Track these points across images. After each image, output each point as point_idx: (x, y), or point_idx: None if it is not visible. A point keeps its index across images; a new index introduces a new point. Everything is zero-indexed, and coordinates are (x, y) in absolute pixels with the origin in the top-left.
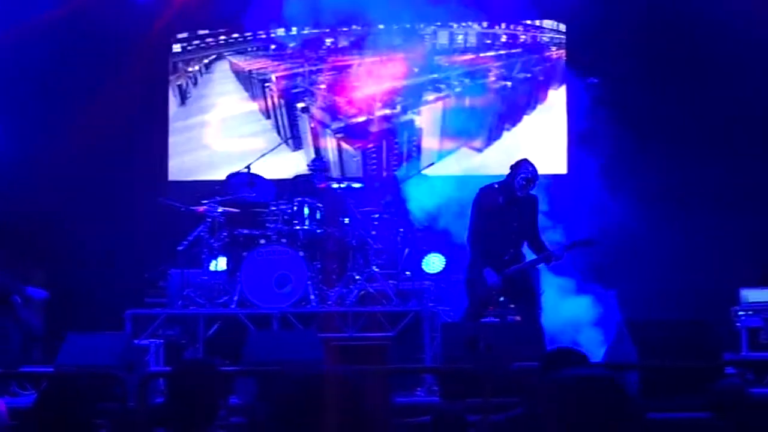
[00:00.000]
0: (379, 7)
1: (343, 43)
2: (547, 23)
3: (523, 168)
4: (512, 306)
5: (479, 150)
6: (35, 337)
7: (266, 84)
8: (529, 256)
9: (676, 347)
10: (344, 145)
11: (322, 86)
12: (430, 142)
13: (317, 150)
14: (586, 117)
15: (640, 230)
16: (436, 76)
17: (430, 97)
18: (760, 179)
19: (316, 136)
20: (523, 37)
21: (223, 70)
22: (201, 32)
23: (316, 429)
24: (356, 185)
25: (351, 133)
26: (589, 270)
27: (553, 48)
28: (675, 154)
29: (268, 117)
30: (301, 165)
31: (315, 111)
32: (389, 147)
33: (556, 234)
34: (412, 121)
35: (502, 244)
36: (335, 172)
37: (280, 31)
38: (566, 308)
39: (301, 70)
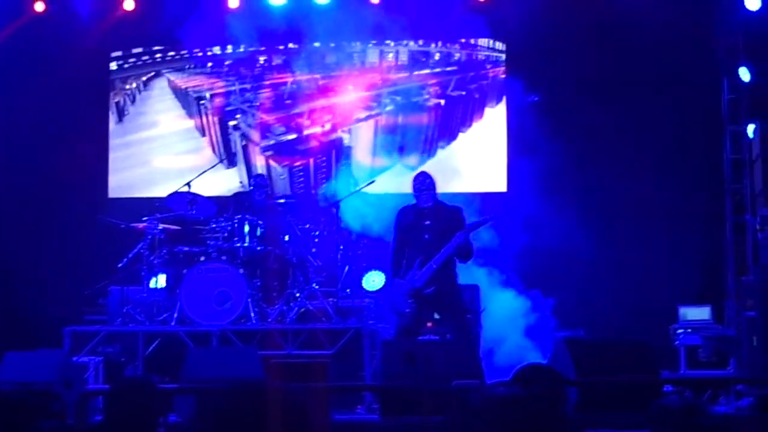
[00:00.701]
0: (315, 25)
1: (277, 61)
2: (483, 41)
3: (415, 181)
4: (449, 324)
5: (413, 167)
6: None
7: (201, 101)
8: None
9: (614, 366)
10: (272, 163)
11: (255, 104)
12: (363, 160)
13: (249, 168)
14: (526, 134)
15: (580, 247)
16: (368, 94)
17: (362, 115)
18: (701, 198)
19: (247, 154)
20: (458, 55)
21: (161, 87)
22: (136, 50)
23: None
24: (291, 201)
25: (279, 150)
26: (530, 285)
27: (489, 66)
28: (616, 172)
29: (204, 134)
30: (234, 182)
31: (245, 129)
32: (316, 165)
33: (498, 249)
34: (341, 140)
35: (415, 254)
36: None
37: (216, 49)
38: (506, 322)
39: (234, 87)
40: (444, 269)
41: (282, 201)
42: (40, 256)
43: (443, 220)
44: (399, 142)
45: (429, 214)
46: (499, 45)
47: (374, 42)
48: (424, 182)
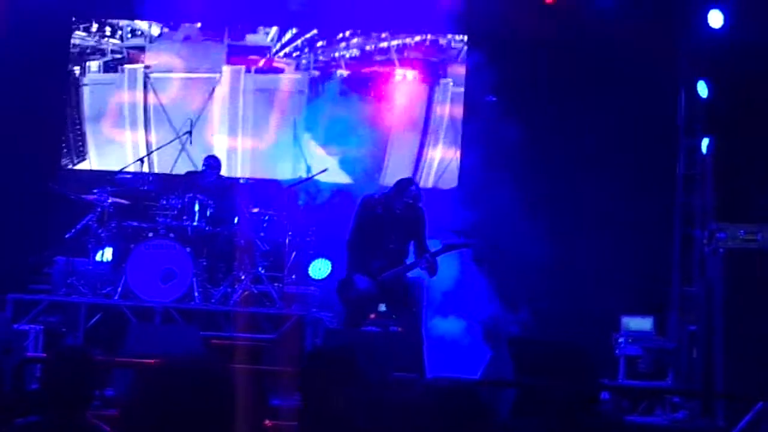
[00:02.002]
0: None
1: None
2: (443, 40)
3: (409, 188)
4: (393, 316)
5: (363, 158)
6: None
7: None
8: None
9: (552, 368)
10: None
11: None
12: (316, 149)
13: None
14: (479, 133)
15: (528, 249)
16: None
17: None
18: (652, 209)
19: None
20: (413, 53)
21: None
22: (96, 23)
23: (187, 422)
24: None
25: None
26: (475, 287)
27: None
28: (568, 177)
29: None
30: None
31: None
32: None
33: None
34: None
35: (375, 252)
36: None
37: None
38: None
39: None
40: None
41: (242, 181)
42: None
43: (409, 221)
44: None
45: (398, 217)
46: (458, 40)
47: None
48: (419, 194)
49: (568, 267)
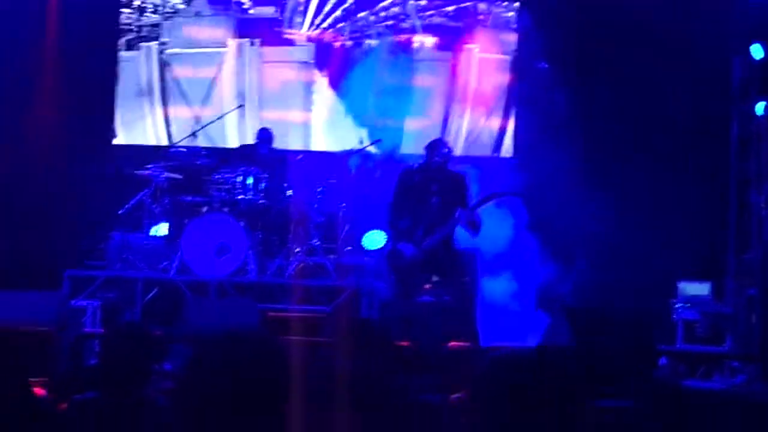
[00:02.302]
0: None
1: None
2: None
3: (438, 148)
4: (446, 286)
5: (422, 129)
6: None
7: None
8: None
9: (611, 335)
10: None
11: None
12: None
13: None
14: (534, 102)
15: (583, 215)
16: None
17: None
18: (706, 175)
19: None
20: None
21: (173, 35)
22: None
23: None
24: (300, 155)
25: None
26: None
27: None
28: (621, 146)
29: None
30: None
31: None
32: None
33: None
34: None
35: (418, 221)
36: None
37: None
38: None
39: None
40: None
41: (299, 156)
42: (44, 200)
43: (449, 186)
44: (406, 102)
45: (436, 179)
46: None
47: None
48: (440, 151)
49: (624, 233)
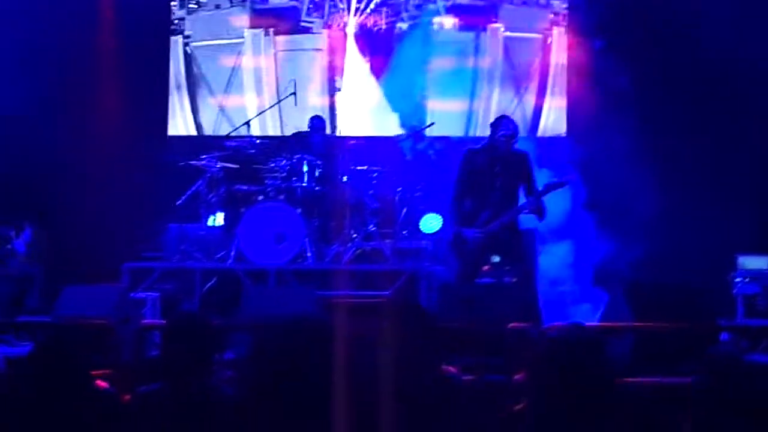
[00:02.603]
0: None
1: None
2: None
3: (502, 125)
4: (507, 267)
5: (474, 111)
6: (32, 286)
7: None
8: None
9: (671, 311)
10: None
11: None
12: (427, 103)
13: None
14: (587, 80)
15: (641, 190)
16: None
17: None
18: (763, 143)
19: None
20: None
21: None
22: None
23: (306, 380)
24: (354, 140)
25: None
26: (588, 233)
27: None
28: (675, 117)
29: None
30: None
31: None
32: None
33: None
34: None
35: (482, 203)
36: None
37: None
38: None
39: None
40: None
41: (352, 141)
42: (100, 193)
43: (514, 166)
44: (457, 84)
45: (500, 159)
46: None
47: None
48: (515, 129)
49: (682, 208)
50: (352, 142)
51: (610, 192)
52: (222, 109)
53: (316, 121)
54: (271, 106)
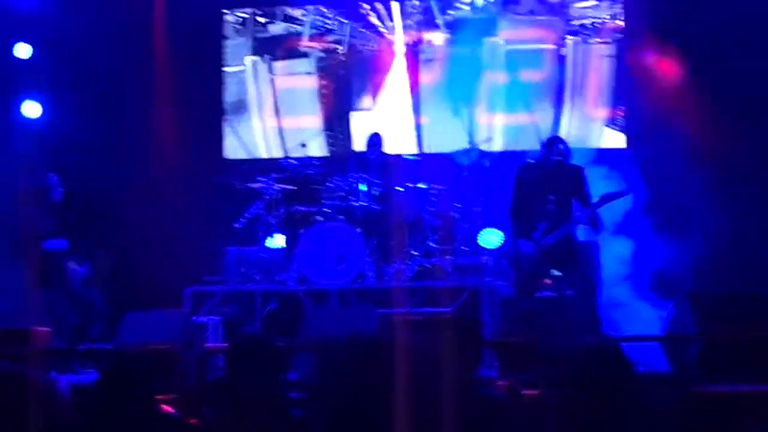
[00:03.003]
0: None
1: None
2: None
3: (554, 145)
4: (566, 281)
5: (536, 125)
6: (94, 313)
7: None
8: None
9: (736, 320)
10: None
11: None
12: (483, 117)
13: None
14: (643, 89)
15: (701, 198)
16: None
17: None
18: None
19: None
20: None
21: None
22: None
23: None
24: (412, 158)
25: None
26: (652, 237)
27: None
28: (734, 124)
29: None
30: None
31: None
32: None
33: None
34: None
35: (537, 217)
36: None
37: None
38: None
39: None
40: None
41: (409, 158)
42: (160, 218)
43: (568, 181)
44: (519, 98)
45: (554, 175)
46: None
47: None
48: (557, 148)
49: (743, 215)
50: (409, 159)
51: (671, 198)
52: (279, 131)
53: (374, 139)
54: (328, 127)
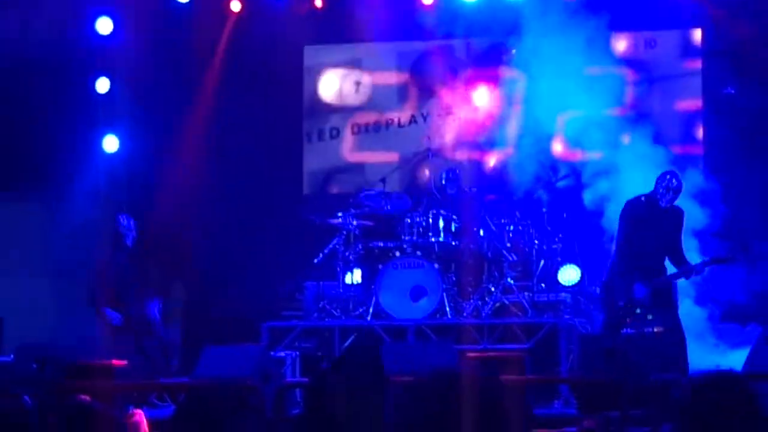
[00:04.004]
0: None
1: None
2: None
3: (666, 179)
4: (649, 317)
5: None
6: (171, 350)
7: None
8: (670, 269)
9: None
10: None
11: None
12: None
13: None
14: (722, 125)
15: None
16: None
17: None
18: None
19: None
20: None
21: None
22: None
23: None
24: (491, 196)
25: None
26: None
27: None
28: None
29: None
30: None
31: None
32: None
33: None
34: None
35: (646, 257)
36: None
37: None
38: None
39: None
40: None
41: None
42: (239, 253)
43: (671, 222)
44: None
45: (664, 216)
46: (697, 35)
47: None
48: (671, 181)
49: None
50: (489, 195)
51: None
52: (358, 166)
53: (451, 174)
54: (409, 161)
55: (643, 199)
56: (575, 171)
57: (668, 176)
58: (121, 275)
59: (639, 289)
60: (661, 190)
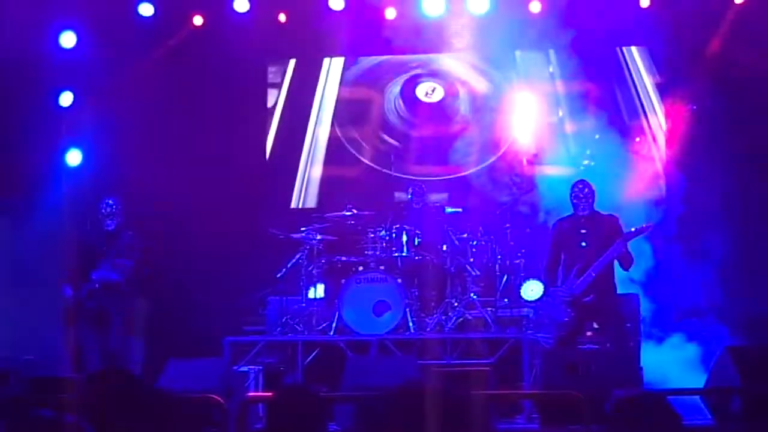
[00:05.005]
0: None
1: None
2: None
3: (576, 189)
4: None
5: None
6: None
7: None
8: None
9: None
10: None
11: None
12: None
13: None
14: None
15: (733, 251)
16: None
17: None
18: None
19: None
20: None
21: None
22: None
23: None
24: (454, 210)
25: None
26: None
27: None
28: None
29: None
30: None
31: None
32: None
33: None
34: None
35: (568, 266)
36: None
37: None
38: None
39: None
40: (603, 278)
41: (449, 210)
42: (201, 268)
43: (600, 228)
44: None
45: (585, 223)
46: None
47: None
48: (582, 190)
49: None
50: (452, 210)
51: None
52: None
53: (415, 188)
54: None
55: (565, 216)
56: (537, 185)
57: (579, 186)
58: (89, 255)
59: (554, 290)
60: (574, 201)
